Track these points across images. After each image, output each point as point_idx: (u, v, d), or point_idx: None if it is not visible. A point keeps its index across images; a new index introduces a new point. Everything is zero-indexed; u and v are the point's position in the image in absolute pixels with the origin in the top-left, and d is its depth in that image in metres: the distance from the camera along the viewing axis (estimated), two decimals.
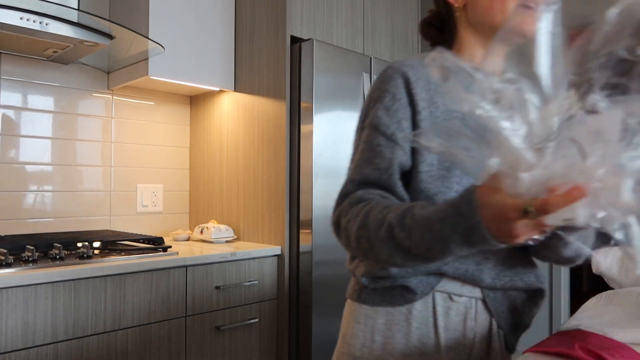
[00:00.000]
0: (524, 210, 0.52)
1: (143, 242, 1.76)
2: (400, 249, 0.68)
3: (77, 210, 2.04)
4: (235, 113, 2.16)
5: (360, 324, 0.86)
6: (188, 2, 2.01)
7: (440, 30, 0.94)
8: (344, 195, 0.81)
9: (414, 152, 0.82)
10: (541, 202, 0.50)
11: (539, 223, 0.53)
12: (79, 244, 1.59)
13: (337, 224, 0.79)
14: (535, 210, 0.51)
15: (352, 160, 0.87)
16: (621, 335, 0.79)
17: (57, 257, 1.44)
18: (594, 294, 1.09)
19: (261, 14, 2.04)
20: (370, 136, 0.84)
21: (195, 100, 2.38)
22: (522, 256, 0.85)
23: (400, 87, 0.83)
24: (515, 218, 0.53)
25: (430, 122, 0.82)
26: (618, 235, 0.49)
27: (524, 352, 0.77)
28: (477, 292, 0.83)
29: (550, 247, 0.77)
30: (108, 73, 2.14)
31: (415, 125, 0.82)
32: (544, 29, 0.57)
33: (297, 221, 1.92)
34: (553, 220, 0.50)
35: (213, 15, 2.10)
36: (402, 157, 0.81)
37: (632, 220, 0.49)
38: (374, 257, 0.74)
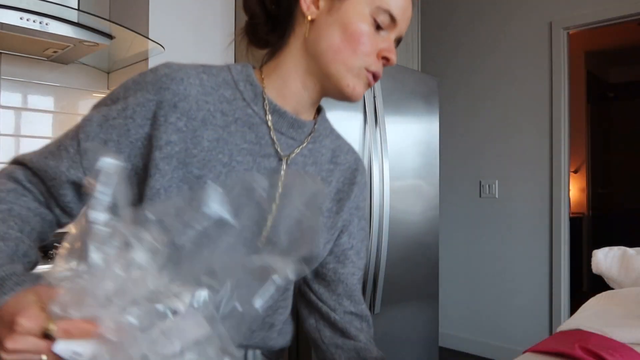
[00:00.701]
0: (46, 328, 0.45)
1: None
2: None
3: None
4: None
5: None
6: (188, 2, 2.01)
7: (274, 25, 0.77)
8: (20, 162, 0.69)
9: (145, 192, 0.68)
10: (67, 324, 0.44)
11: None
12: None
13: None
14: (57, 330, 0.45)
15: (64, 134, 0.70)
16: (621, 335, 0.79)
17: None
18: (594, 294, 1.09)
19: None
20: (74, 131, 0.68)
21: None
22: None
23: (150, 107, 0.67)
24: (21, 331, 0.45)
25: (161, 172, 0.66)
26: None
27: (524, 352, 0.77)
28: None
29: None
30: (108, 73, 2.14)
31: (148, 159, 0.67)
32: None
33: None
34: (64, 349, 0.44)
35: (213, 15, 2.10)
36: (74, 176, 0.67)
37: None
38: None
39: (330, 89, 0.75)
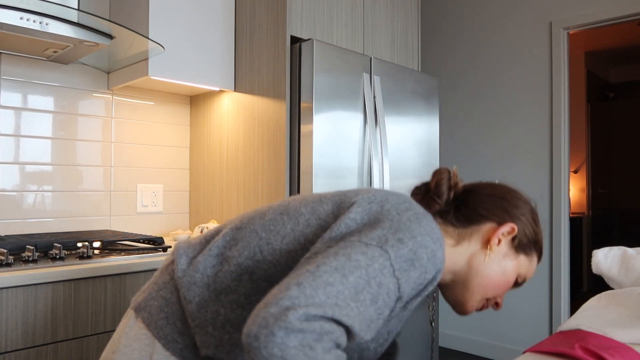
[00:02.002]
0: None
1: (143, 242, 1.76)
2: None
3: (77, 210, 2.04)
4: (235, 113, 2.16)
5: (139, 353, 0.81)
6: (188, 2, 2.01)
7: (452, 210, 0.91)
8: (333, 323, 0.62)
9: None
10: None
11: None
12: (79, 244, 1.58)
13: (300, 330, 0.59)
14: None
15: (357, 290, 0.66)
16: (621, 335, 0.79)
17: (57, 257, 1.44)
18: (594, 294, 1.09)
19: (261, 14, 2.04)
20: (391, 299, 0.70)
21: (195, 100, 2.38)
22: None
23: (429, 279, 0.77)
24: None
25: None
26: None
27: (524, 352, 0.77)
28: None
29: None
30: (108, 73, 2.14)
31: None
32: None
33: None
34: None
35: (213, 15, 2.10)
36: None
37: None
38: None
39: (453, 296, 0.91)
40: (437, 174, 0.93)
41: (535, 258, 0.93)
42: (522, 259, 0.91)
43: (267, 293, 0.72)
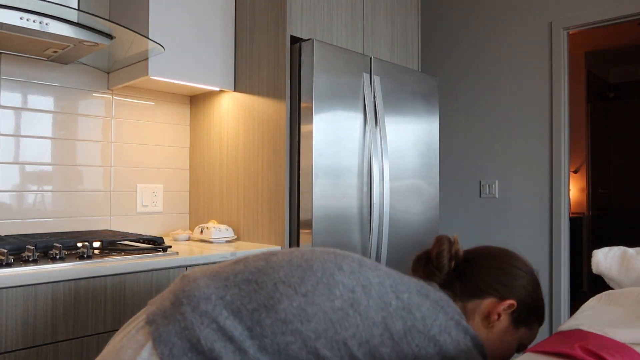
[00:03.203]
0: None
1: (143, 242, 1.76)
2: None
3: (77, 210, 2.04)
4: (235, 113, 2.16)
5: None
6: (188, 2, 2.01)
7: (455, 283, 0.94)
8: None
9: None
10: None
11: None
12: (79, 244, 1.58)
13: None
14: None
15: None
16: (621, 335, 0.79)
17: (57, 257, 1.44)
18: (594, 294, 1.09)
19: (261, 14, 2.04)
20: None
21: (195, 100, 2.38)
22: None
23: None
24: None
25: None
26: None
27: (523, 352, 0.77)
28: None
29: None
30: (108, 73, 2.14)
31: None
32: None
33: (297, 221, 1.92)
34: None
35: (213, 16, 2.10)
36: None
37: None
38: None
39: None
40: (437, 244, 0.96)
41: (536, 326, 0.96)
42: (523, 330, 0.94)
43: None
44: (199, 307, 0.77)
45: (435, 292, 0.85)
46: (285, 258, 0.83)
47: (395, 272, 0.87)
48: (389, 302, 0.78)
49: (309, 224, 1.88)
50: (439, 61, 3.61)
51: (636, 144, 5.61)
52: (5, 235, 1.79)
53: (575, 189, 5.57)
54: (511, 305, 0.90)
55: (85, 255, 1.50)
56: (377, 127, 2.13)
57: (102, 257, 1.54)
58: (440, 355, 0.77)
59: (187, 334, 0.74)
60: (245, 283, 0.79)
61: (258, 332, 0.74)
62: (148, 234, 2.25)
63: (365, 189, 2.09)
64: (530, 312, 0.94)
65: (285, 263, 0.82)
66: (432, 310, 0.81)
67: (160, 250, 1.67)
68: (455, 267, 0.94)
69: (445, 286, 0.93)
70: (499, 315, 0.91)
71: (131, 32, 1.71)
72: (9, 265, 1.35)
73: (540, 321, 0.96)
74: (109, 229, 2.12)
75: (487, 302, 0.91)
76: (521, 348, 0.96)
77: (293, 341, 0.73)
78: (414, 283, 0.85)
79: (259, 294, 0.77)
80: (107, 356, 0.80)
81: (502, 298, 0.91)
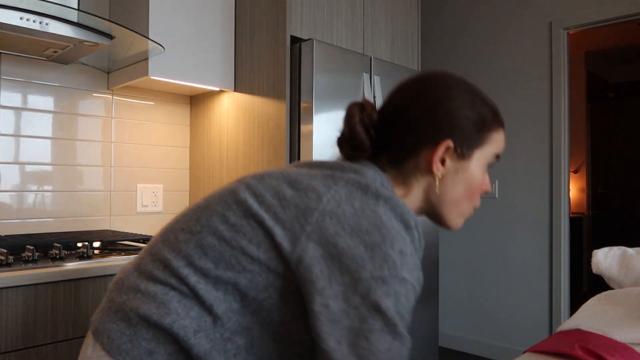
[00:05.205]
0: None
1: (143, 242, 1.76)
2: None
3: (77, 210, 2.04)
4: (235, 113, 2.16)
5: None
6: (188, 2, 2.01)
7: (382, 150, 0.81)
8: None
9: None
10: None
11: None
12: (79, 244, 1.59)
13: None
14: None
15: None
16: (621, 335, 0.79)
17: (57, 257, 1.44)
18: (594, 294, 1.09)
19: (261, 14, 2.04)
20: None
21: (195, 100, 2.38)
22: None
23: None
24: None
25: None
26: None
27: (523, 352, 0.77)
28: None
29: None
30: (108, 73, 2.14)
31: None
32: None
33: None
34: None
35: (213, 15, 2.10)
36: None
37: None
38: None
39: (435, 221, 0.84)
40: (347, 117, 0.82)
41: (494, 135, 0.81)
42: (478, 154, 0.80)
43: None
44: (123, 285, 0.77)
45: (343, 169, 0.76)
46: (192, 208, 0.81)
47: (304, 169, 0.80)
48: (282, 193, 0.73)
49: None
50: (439, 61, 3.61)
51: (636, 144, 5.61)
52: (5, 235, 1.79)
53: (575, 189, 5.57)
54: (447, 147, 0.77)
55: (85, 255, 1.50)
56: None
57: (102, 257, 1.54)
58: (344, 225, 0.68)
59: (120, 314, 0.74)
60: (151, 247, 0.80)
61: (179, 259, 0.74)
62: (148, 234, 2.25)
63: None
64: (481, 128, 0.79)
65: (189, 211, 0.80)
66: (327, 186, 0.72)
67: None
68: (377, 133, 0.81)
69: (378, 163, 0.81)
70: (443, 162, 0.78)
71: (131, 32, 1.71)
72: (8, 265, 1.35)
73: (498, 123, 0.82)
74: (109, 229, 2.12)
75: (423, 155, 0.78)
76: (495, 161, 0.83)
77: (206, 234, 0.74)
78: (321, 172, 0.77)
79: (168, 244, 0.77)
80: None
81: (436, 142, 0.77)
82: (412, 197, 0.81)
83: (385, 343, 0.62)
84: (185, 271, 0.72)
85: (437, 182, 0.79)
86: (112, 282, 0.82)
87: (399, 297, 0.64)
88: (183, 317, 0.70)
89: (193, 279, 0.72)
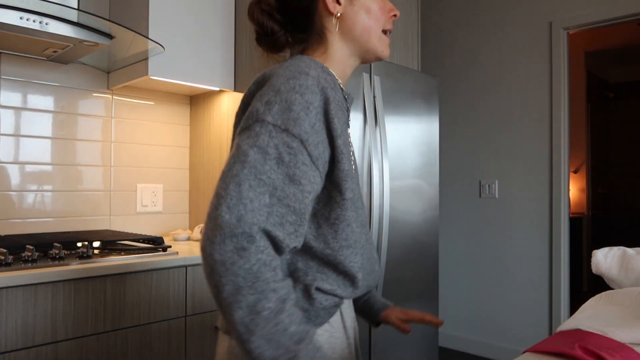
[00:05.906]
0: None
1: (143, 242, 1.76)
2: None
3: (77, 210, 2.04)
4: (235, 113, 2.16)
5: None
6: (188, 2, 2.01)
7: (293, 28, 0.89)
8: (251, 236, 0.66)
9: (337, 177, 0.78)
10: None
11: None
12: (79, 244, 1.58)
13: (249, 268, 0.65)
14: None
15: (257, 171, 0.69)
16: (621, 335, 0.79)
17: (57, 257, 1.44)
18: (594, 294, 1.09)
19: None
20: (294, 149, 0.71)
21: (195, 100, 2.38)
22: None
23: (321, 105, 0.75)
24: None
25: (346, 156, 0.78)
26: None
27: (523, 352, 0.77)
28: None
29: None
30: (108, 73, 2.14)
31: (331, 155, 0.77)
32: None
33: None
34: None
35: (213, 15, 2.10)
36: (318, 187, 0.76)
37: None
38: (241, 320, 0.65)
39: (369, 59, 0.92)
40: (249, 14, 0.89)
41: None
42: None
43: None
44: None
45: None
46: None
47: None
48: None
49: None
50: (439, 61, 3.61)
51: (636, 144, 5.61)
52: (5, 235, 1.79)
53: (575, 189, 5.57)
54: None
55: (85, 255, 1.50)
56: (377, 127, 2.13)
57: (102, 257, 1.54)
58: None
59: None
60: None
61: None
62: (148, 234, 2.25)
63: (365, 189, 2.09)
64: None
65: None
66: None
67: (160, 250, 1.67)
68: (280, 14, 0.88)
69: (297, 40, 0.90)
70: (338, 2, 0.87)
71: (131, 32, 1.71)
72: (8, 265, 1.35)
73: None
74: (108, 229, 2.12)
75: (320, 8, 0.87)
76: None
77: None
78: None
79: None
80: None
81: None
82: (335, 49, 0.89)
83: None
84: None
85: (336, 21, 0.87)
86: None
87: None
88: None
89: None
